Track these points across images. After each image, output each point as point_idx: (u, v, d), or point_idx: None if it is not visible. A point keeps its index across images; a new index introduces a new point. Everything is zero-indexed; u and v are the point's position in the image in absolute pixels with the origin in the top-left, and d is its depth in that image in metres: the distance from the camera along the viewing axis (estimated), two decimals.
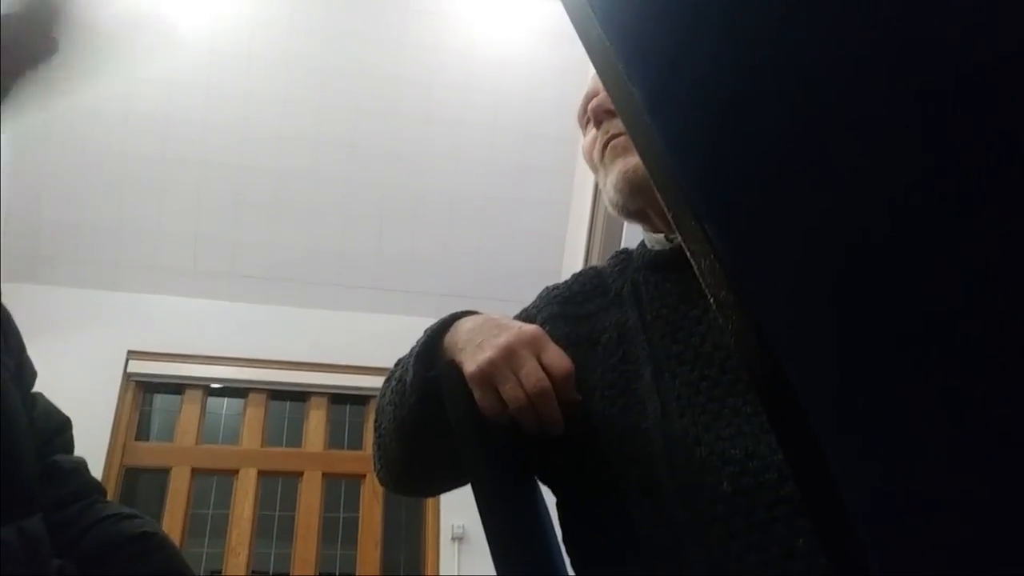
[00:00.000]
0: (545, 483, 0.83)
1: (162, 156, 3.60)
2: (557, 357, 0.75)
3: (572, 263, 3.91)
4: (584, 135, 0.95)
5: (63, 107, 3.43)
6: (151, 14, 3.40)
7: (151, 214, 3.66)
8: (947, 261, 0.28)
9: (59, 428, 1.10)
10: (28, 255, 3.54)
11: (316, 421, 3.85)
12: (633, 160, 0.84)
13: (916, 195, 0.29)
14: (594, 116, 0.90)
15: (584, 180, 3.78)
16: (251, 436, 3.75)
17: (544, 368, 0.73)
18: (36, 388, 1.11)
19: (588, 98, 0.92)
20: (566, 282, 0.95)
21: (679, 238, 0.83)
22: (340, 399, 3.93)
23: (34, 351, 1.13)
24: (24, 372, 1.06)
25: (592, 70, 0.97)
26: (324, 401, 3.89)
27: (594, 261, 3.70)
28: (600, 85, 0.91)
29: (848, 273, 0.29)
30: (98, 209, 3.60)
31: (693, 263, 0.33)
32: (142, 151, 3.57)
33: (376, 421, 0.92)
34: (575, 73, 3.56)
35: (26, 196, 3.50)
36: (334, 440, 3.87)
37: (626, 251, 0.95)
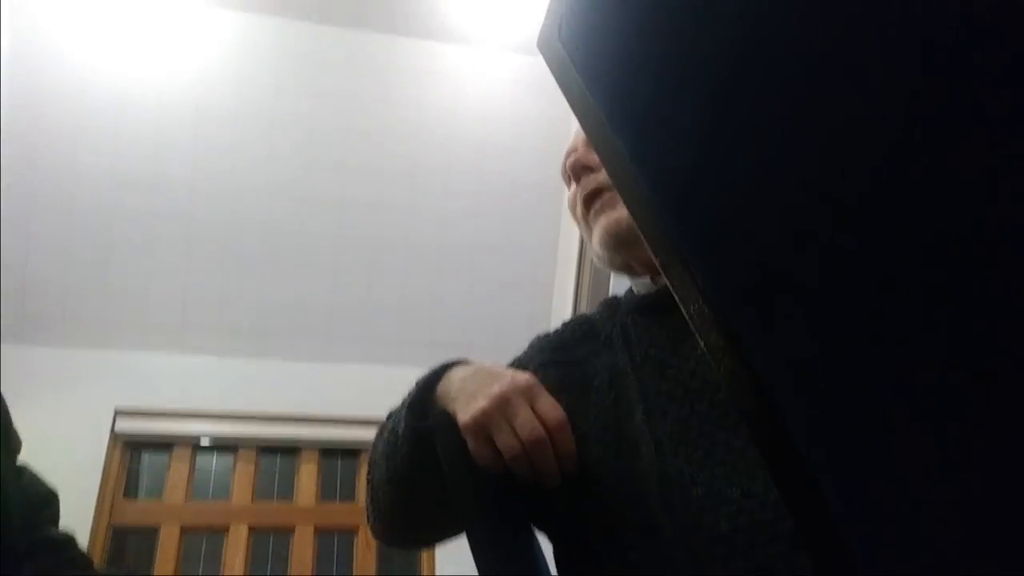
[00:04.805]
0: (541, 531, 0.83)
1: (150, 214, 3.61)
2: (551, 406, 0.75)
3: (561, 309, 3.92)
4: (568, 189, 0.97)
5: (51, 168, 3.45)
6: (138, 74, 3.45)
7: (139, 272, 3.66)
8: (944, 289, 0.29)
9: (47, 500, 1.09)
10: (15, 315, 3.52)
11: (307, 475, 3.80)
12: (615, 215, 0.86)
13: (907, 227, 0.29)
14: (572, 172, 0.92)
15: (570, 227, 3.81)
16: (241, 492, 3.69)
17: (538, 417, 0.73)
18: (24, 447, 1.10)
19: (569, 154, 0.94)
20: (557, 330, 0.96)
21: (665, 280, 0.85)
22: (331, 452, 3.89)
23: (22, 411, 1.12)
24: (10, 440, 1.06)
25: (575, 122, 0.99)
26: (315, 455, 3.85)
27: (583, 307, 3.71)
28: (580, 140, 0.93)
29: (838, 310, 0.30)
30: (86, 268, 3.60)
31: (682, 308, 0.34)
32: (130, 209, 3.58)
33: (369, 473, 0.92)
34: (558, 123, 3.62)
35: (14, 257, 3.49)
36: (326, 494, 3.82)
37: (615, 298, 0.96)
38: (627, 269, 0.91)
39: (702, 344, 0.33)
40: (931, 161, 0.30)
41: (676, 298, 0.34)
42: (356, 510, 3.70)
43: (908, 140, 0.30)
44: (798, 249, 0.32)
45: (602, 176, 0.88)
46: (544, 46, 0.40)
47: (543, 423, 0.73)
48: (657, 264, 0.34)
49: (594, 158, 0.90)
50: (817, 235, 0.31)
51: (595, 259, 0.93)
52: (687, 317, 0.34)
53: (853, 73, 0.32)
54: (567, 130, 1.00)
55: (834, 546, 0.31)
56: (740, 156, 0.33)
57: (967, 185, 0.29)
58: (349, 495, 3.83)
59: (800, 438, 0.32)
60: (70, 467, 3.12)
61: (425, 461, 0.78)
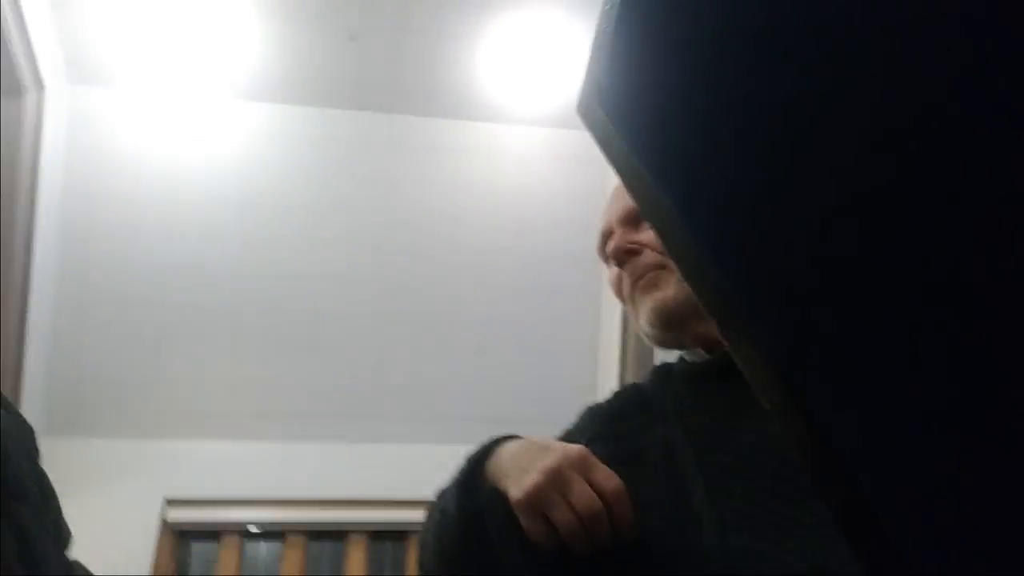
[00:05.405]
0: None
1: (197, 303, 3.68)
2: (607, 476, 0.72)
3: (607, 379, 3.87)
4: (608, 267, 0.96)
5: (104, 262, 3.56)
6: (186, 170, 3.59)
7: (187, 360, 3.71)
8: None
9: None
10: (70, 407, 3.58)
11: (356, 560, 3.74)
12: (660, 295, 0.85)
13: (968, 270, 0.28)
14: (615, 259, 0.92)
15: (613, 296, 3.79)
16: None
17: (594, 488, 0.71)
18: (75, 540, 1.10)
19: (604, 236, 0.94)
20: (607, 400, 0.94)
21: (719, 350, 0.83)
22: (380, 536, 3.83)
23: (73, 503, 1.13)
24: (60, 533, 1.06)
25: (607, 193, 0.99)
26: (363, 539, 3.79)
27: (629, 376, 3.66)
28: (613, 221, 0.93)
29: (911, 365, 0.28)
30: (137, 359, 3.66)
31: (742, 368, 0.32)
32: (178, 299, 3.66)
33: (419, 556, 0.89)
34: (594, 195, 3.64)
35: (69, 351, 3.57)
36: None
37: (666, 365, 0.94)
38: (678, 345, 0.90)
39: (766, 405, 0.32)
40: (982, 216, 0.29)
41: (735, 358, 0.33)
42: None
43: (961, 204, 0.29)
44: (866, 302, 0.30)
45: (647, 259, 0.88)
46: (584, 111, 0.40)
47: (600, 494, 0.70)
48: (714, 321, 0.33)
49: (636, 238, 0.89)
50: (887, 288, 0.30)
51: (644, 337, 0.91)
52: (748, 377, 0.32)
53: (905, 126, 0.31)
54: (604, 201, 0.99)
55: None
56: (794, 209, 0.32)
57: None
58: None
59: (879, 503, 0.30)
60: (120, 559, 3.11)
61: (477, 541, 0.76)
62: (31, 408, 3.29)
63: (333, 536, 3.79)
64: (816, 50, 0.31)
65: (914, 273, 0.28)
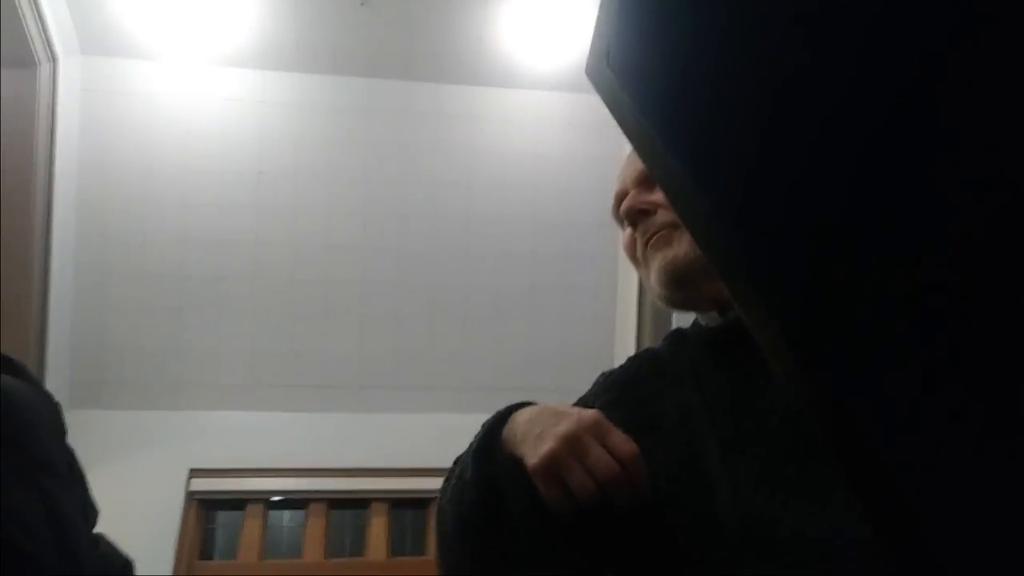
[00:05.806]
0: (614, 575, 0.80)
1: (216, 276, 3.71)
2: (623, 441, 0.73)
3: (624, 346, 3.87)
4: (622, 230, 0.95)
5: (122, 237, 3.59)
6: (200, 142, 3.59)
7: (207, 333, 3.75)
8: None
9: (122, 569, 1.10)
10: (93, 381, 3.63)
11: (378, 528, 3.79)
12: (671, 252, 0.84)
13: (984, 246, 0.27)
14: (628, 219, 0.90)
15: (628, 263, 3.78)
16: (313, 548, 3.70)
17: (611, 452, 0.71)
18: (101, 512, 1.11)
19: (619, 197, 0.93)
20: (622, 367, 0.94)
21: (733, 313, 0.82)
22: (401, 503, 3.88)
23: (98, 475, 1.14)
24: (88, 509, 1.07)
25: (622, 158, 0.98)
26: (385, 507, 3.84)
27: (646, 342, 3.66)
28: (628, 182, 0.91)
29: (921, 329, 0.28)
30: (157, 332, 3.70)
31: (755, 333, 0.32)
32: (197, 273, 3.69)
33: (437, 522, 0.90)
34: (609, 160, 3.62)
35: (90, 325, 3.62)
36: (397, 547, 3.80)
37: (680, 331, 0.93)
38: (690, 305, 0.89)
39: (778, 369, 0.31)
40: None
41: (747, 322, 0.32)
42: (427, 563, 3.67)
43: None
44: (870, 266, 0.30)
45: (660, 218, 0.86)
46: (593, 74, 0.39)
47: (616, 458, 0.71)
48: (726, 286, 0.33)
49: (650, 198, 0.88)
50: (898, 252, 0.29)
51: (656, 300, 0.90)
52: (760, 342, 0.32)
53: (915, 89, 0.30)
54: (620, 165, 0.98)
55: None
56: (803, 170, 0.32)
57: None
58: (419, 548, 3.81)
59: (891, 465, 0.30)
60: (147, 529, 3.18)
61: (494, 507, 0.76)
62: (55, 383, 3.34)
63: (354, 504, 3.85)
64: (828, 8, 0.30)
65: (926, 239, 0.27)
